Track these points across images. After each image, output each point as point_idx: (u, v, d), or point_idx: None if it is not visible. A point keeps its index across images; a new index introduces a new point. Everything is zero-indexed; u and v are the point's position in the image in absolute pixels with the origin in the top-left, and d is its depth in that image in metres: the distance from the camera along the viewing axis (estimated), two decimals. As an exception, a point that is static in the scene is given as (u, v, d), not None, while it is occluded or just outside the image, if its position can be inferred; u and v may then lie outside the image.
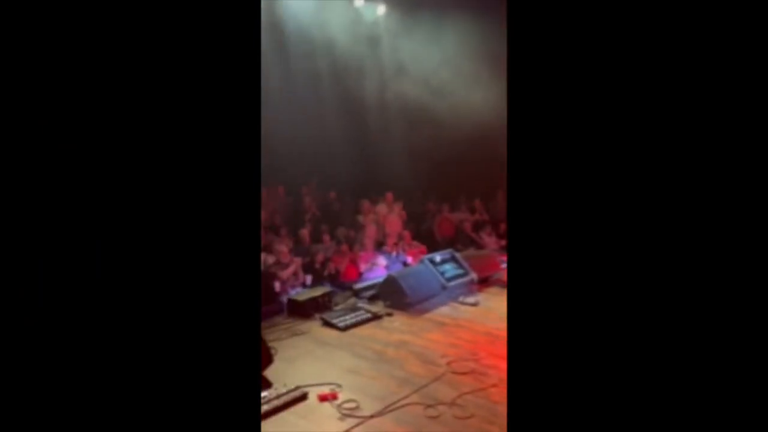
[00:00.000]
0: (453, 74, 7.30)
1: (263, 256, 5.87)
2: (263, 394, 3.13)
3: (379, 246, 6.54)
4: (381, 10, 7.78)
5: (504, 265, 6.04)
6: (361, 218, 7.10)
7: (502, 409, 2.87)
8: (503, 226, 7.23)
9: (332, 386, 3.29)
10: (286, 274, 5.46)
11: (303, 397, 3.18)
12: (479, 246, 7.07)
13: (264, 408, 3.02)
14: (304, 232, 6.45)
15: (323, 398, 3.16)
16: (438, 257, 5.58)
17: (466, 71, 7.29)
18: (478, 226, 7.59)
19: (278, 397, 3.12)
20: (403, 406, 3.07)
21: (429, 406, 3.04)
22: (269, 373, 3.55)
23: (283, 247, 5.69)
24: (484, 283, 5.64)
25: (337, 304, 5.03)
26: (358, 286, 5.44)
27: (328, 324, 4.52)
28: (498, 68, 7.03)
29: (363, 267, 5.99)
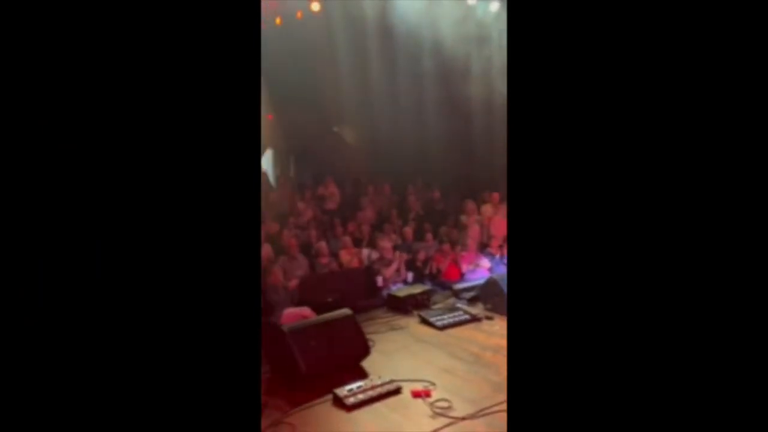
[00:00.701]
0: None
1: (367, 251, 6.07)
2: (359, 383, 3.24)
3: (483, 247, 6.41)
4: (495, 6, 7.60)
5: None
6: (464, 218, 7.01)
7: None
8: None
9: (426, 384, 3.30)
10: (389, 271, 5.58)
11: (397, 391, 3.23)
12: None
13: (359, 397, 3.12)
14: (408, 230, 6.53)
15: (416, 395, 3.19)
16: (544, 262, 5.32)
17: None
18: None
19: (373, 388, 3.21)
20: (497, 411, 2.98)
21: (525, 414, 2.92)
22: (366, 364, 3.67)
23: (386, 244, 5.81)
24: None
25: (435, 303, 5.03)
26: (459, 286, 5.39)
27: (425, 322, 4.54)
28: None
29: (465, 267, 5.92)
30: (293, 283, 5.05)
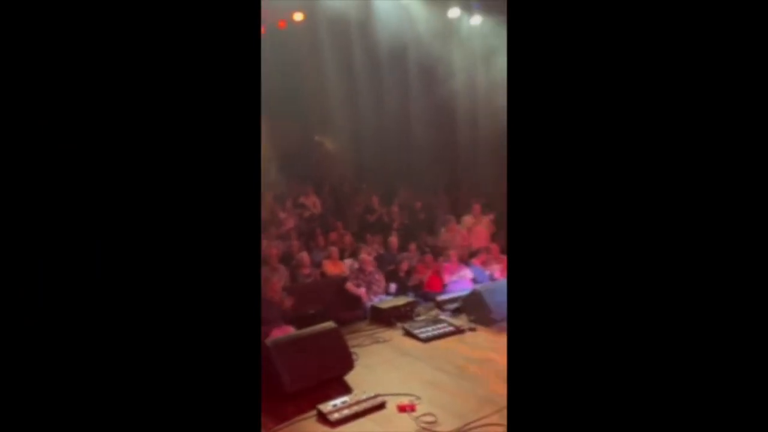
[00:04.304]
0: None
1: (350, 262, 6.01)
2: (343, 399, 3.19)
3: (466, 258, 6.43)
4: (476, 20, 7.70)
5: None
6: (447, 229, 7.03)
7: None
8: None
9: (411, 398, 3.27)
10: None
11: (381, 406, 3.19)
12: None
13: (344, 413, 3.07)
14: (393, 240, 6.50)
15: (402, 409, 3.15)
16: (526, 273, 5.35)
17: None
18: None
19: (357, 403, 3.16)
20: (483, 425, 2.97)
21: (511, 429, 2.91)
22: (350, 378, 3.62)
23: (367, 256, 5.76)
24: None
25: (419, 315, 5.01)
26: (442, 298, 5.38)
27: (409, 334, 4.51)
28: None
29: (447, 278, 5.91)
30: (289, 301, 4.90)
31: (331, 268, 5.83)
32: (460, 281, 5.86)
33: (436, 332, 4.50)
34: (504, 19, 7.41)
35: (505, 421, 2.97)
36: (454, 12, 7.52)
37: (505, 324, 4.73)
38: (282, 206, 7.43)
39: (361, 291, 5.42)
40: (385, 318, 4.84)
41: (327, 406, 3.11)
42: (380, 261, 6.00)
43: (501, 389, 3.42)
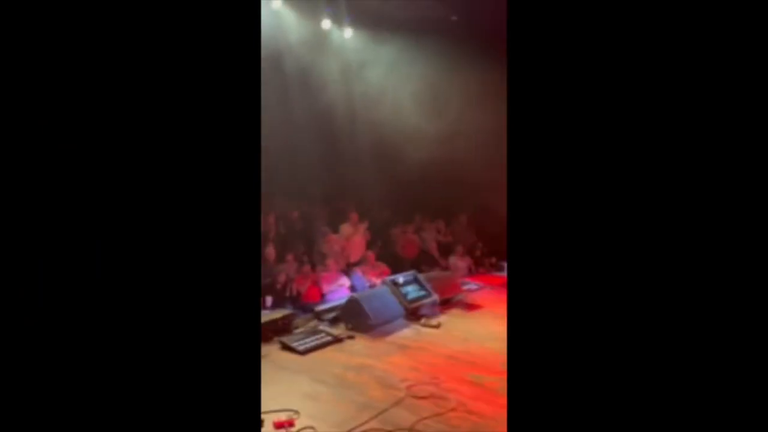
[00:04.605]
0: (420, 97, 7.43)
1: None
2: (216, 422, 3.02)
3: (344, 267, 6.48)
4: (348, 33, 7.87)
5: (466, 287, 6.13)
6: (324, 238, 7.04)
7: (461, 434, 2.85)
8: (463, 248, 7.44)
9: (289, 413, 3.20)
10: None
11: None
12: (443, 267, 7.11)
13: (216, 437, 2.90)
14: (269, 252, 6.33)
15: (279, 425, 3.07)
16: (401, 278, 5.57)
17: (434, 93, 7.47)
18: (444, 248, 7.66)
19: (232, 425, 3.01)
20: (361, 432, 3.01)
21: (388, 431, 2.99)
22: (224, 399, 3.44)
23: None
24: (446, 304, 5.65)
25: (297, 327, 4.93)
26: (320, 308, 5.36)
27: (287, 348, 4.41)
28: (468, 92, 7.23)
29: (326, 288, 5.91)
30: None
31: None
32: (339, 290, 5.90)
33: (314, 343, 4.46)
34: (373, 33, 7.70)
35: (383, 426, 3.05)
36: (326, 24, 7.61)
37: (382, 329, 4.88)
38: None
39: (236, 306, 5.20)
40: (262, 333, 4.68)
41: (197, 433, 2.91)
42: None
43: (379, 394, 3.51)
